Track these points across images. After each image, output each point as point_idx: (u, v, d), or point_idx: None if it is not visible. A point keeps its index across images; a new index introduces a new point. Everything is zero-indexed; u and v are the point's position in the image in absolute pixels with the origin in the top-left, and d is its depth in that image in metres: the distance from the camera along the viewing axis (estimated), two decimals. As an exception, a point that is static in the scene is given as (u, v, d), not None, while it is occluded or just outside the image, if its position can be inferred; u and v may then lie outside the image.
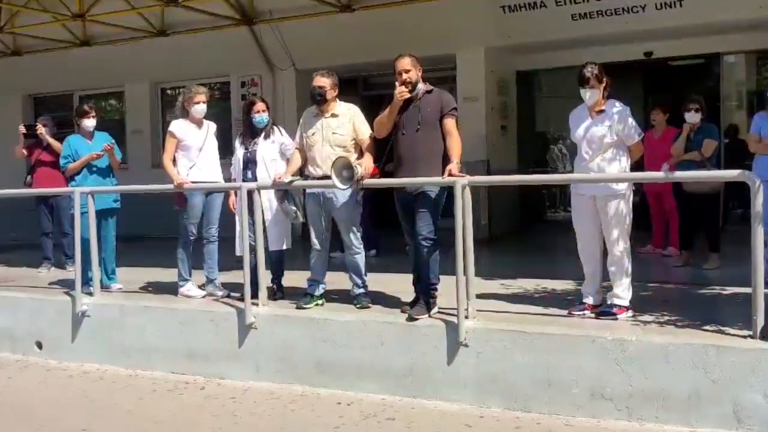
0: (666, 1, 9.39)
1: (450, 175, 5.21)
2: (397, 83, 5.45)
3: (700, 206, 7.32)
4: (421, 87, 5.53)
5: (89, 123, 7.45)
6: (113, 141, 7.49)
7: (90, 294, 6.89)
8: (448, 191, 5.47)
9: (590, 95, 5.26)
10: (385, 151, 5.68)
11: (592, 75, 5.23)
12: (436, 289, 5.59)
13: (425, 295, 5.55)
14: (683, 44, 10.41)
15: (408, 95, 5.43)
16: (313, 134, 5.97)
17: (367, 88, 12.45)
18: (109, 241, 7.38)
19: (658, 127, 8.34)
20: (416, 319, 5.41)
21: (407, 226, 5.65)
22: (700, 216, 7.42)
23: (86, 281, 6.94)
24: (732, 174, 5.13)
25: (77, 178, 7.30)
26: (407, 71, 5.44)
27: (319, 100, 5.95)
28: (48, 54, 13.15)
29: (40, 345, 7.06)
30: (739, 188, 8.57)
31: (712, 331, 4.74)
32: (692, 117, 7.36)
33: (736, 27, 9.65)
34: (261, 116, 6.40)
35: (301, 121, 6.16)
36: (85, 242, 6.79)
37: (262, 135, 6.41)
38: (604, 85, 5.27)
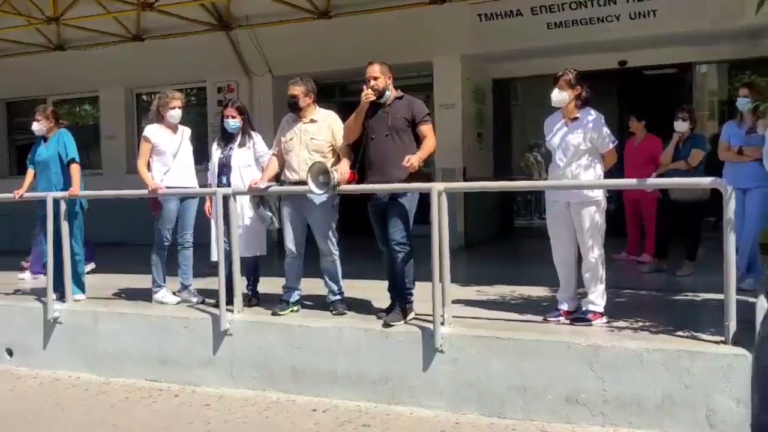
0: (640, 11, 9.51)
1: (409, 164, 5.23)
2: (364, 87, 5.48)
3: (684, 214, 7.32)
4: (391, 93, 5.55)
5: (33, 126, 7.13)
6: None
7: (62, 300, 6.81)
8: (421, 196, 5.49)
9: (556, 94, 5.29)
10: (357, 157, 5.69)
11: (564, 77, 5.28)
12: (411, 295, 5.58)
13: (401, 301, 5.54)
14: (657, 54, 10.54)
15: (373, 97, 5.45)
16: (291, 139, 5.95)
17: (344, 95, 12.45)
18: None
19: (637, 134, 8.40)
20: (392, 326, 5.40)
21: (380, 233, 5.64)
22: (682, 224, 7.43)
23: (57, 287, 6.86)
24: (705, 181, 5.18)
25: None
26: (375, 78, 5.46)
27: (293, 109, 5.96)
28: (21, 58, 13.01)
29: (10, 352, 6.96)
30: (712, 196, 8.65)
31: (685, 337, 4.78)
32: (680, 126, 7.38)
33: (708, 37, 9.79)
34: (229, 122, 6.35)
35: (280, 126, 6.15)
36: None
37: (237, 141, 6.38)
38: (577, 92, 5.31)
